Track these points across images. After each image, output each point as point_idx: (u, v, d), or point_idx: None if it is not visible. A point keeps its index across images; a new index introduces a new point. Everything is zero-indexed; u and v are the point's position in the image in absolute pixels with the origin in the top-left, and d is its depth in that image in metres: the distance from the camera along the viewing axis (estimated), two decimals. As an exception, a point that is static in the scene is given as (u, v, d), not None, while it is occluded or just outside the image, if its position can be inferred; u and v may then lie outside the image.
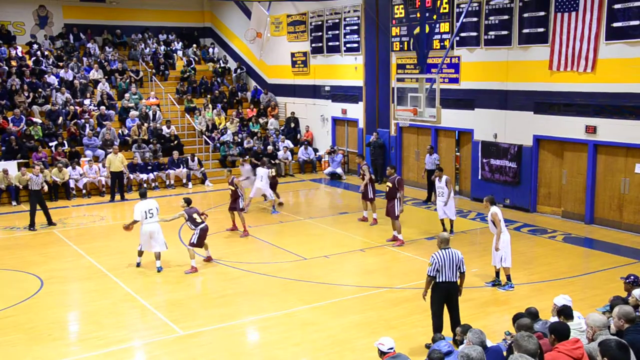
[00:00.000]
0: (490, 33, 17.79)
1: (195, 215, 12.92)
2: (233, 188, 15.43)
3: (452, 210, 15.14)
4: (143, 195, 13.25)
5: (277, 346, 9.28)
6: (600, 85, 15.29)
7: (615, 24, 14.76)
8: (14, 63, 25.05)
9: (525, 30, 16.81)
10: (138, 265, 13.10)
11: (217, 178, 22.14)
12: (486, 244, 14.58)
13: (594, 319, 6.33)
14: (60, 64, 26.10)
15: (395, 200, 14.31)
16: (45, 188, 16.97)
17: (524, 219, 16.72)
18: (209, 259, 13.39)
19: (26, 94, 23.34)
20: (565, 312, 7.03)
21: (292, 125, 26.30)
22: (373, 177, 17.00)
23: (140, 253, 13.12)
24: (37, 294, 11.64)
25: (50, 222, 16.74)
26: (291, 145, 24.85)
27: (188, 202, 13.19)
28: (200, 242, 12.94)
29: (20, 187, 19.24)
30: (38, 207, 16.48)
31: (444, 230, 14.78)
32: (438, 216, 15.32)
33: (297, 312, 10.59)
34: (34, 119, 22.26)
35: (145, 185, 21.34)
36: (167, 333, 9.79)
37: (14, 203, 19.33)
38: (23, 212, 18.12)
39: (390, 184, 14.46)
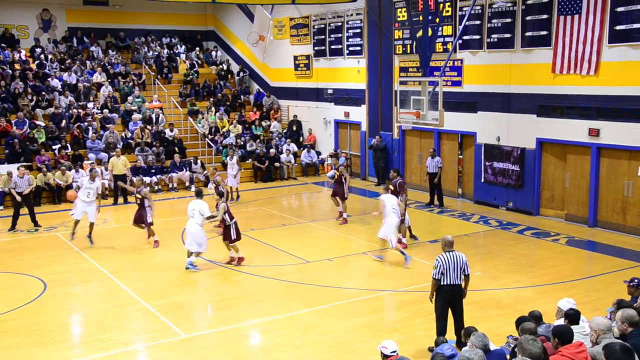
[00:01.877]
0: (493, 36, 17.79)
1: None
2: (214, 185, 16.33)
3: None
4: (198, 194, 13.36)
5: (279, 349, 9.27)
6: (603, 88, 15.26)
7: (618, 27, 14.75)
8: (17, 66, 25.13)
9: (528, 33, 16.81)
10: (190, 265, 13.11)
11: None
12: (489, 247, 14.59)
13: (597, 322, 6.30)
14: (64, 67, 26.16)
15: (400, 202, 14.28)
16: (26, 191, 16.86)
17: (527, 222, 16.69)
18: (235, 260, 13.54)
19: (30, 97, 23.40)
20: (571, 318, 6.97)
21: (295, 128, 26.31)
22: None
23: (189, 254, 13.22)
24: (40, 296, 11.65)
25: (36, 224, 16.91)
26: (294, 149, 24.86)
27: (221, 195, 13.69)
28: (239, 235, 13.30)
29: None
30: (26, 210, 16.75)
31: (411, 236, 14.94)
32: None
33: (300, 315, 10.57)
34: (38, 122, 22.31)
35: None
36: (170, 336, 9.79)
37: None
38: (27, 215, 18.15)
39: (392, 187, 14.44)
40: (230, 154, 21.09)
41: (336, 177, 17.00)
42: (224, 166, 23.44)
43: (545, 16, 16.34)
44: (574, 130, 16.05)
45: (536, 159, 17.12)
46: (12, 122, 21.82)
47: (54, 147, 21.56)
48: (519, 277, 12.27)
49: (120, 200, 20.03)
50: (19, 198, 16.60)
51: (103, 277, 12.78)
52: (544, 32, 16.41)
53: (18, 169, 17.53)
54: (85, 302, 11.60)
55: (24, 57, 26.10)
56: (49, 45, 27.63)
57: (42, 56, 26.30)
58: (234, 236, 13.20)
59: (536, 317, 7.55)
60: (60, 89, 24.59)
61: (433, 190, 18.64)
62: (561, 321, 7.17)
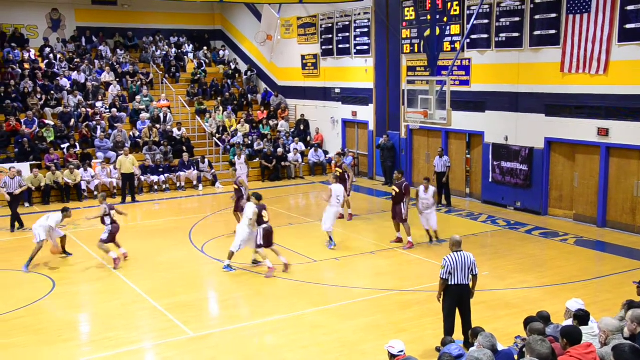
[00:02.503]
0: (502, 35, 17.71)
1: (264, 212, 12.45)
2: (236, 187, 15.53)
3: (434, 220, 14.60)
4: (258, 198, 12.75)
5: (286, 349, 9.27)
6: (613, 87, 15.17)
7: (628, 26, 14.65)
8: (27, 66, 25.27)
9: (537, 32, 16.73)
10: (253, 263, 13.05)
11: (227, 180, 22.17)
12: (497, 247, 14.55)
13: (606, 323, 6.27)
14: (73, 66, 26.27)
15: (402, 204, 14.26)
16: (17, 191, 16.73)
17: (535, 221, 16.62)
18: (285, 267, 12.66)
19: (39, 96, 23.52)
20: (581, 318, 6.92)
21: (302, 127, 26.32)
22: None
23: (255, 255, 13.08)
24: (49, 295, 11.71)
25: (21, 225, 16.72)
26: (302, 148, 24.86)
27: (258, 197, 12.71)
28: (267, 242, 12.41)
29: (33, 188, 19.43)
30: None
31: (430, 239, 14.68)
32: (423, 226, 14.65)
33: (307, 314, 10.57)
34: (47, 121, 22.43)
35: (156, 187, 21.47)
36: (178, 334, 9.81)
37: (26, 204, 19.46)
38: (35, 213, 18.22)
39: (397, 189, 14.40)
40: (238, 153, 21.15)
41: (338, 174, 16.96)
42: (232, 165, 23.49)
43: (554, 15, 16.25)
44: (582, 129, 15.97)
45: (544, 158, 17.04)
46: (22, 121, 21.93)
47: (62, 146, 21.66)
48: (527, 277, 12.22)
49: (128, 199, 20.08)
50: (8, 198, 16.52)
51: (111, 275, 12.82)
52: (553, 31, 16.32)
53: (10, 169, 17.51)
54: (93, 300, 11.65)
55: (33, 57, 26.24)
56: (58, 44, 27.75)
57: (52, 56, 26.43)
58: (259, 241, 12.44)
59: (544, 318, 7.51)
60: (69, 88, 24.70)
61: (441, 190, 18.58)
62: (570, 322, 7.13)
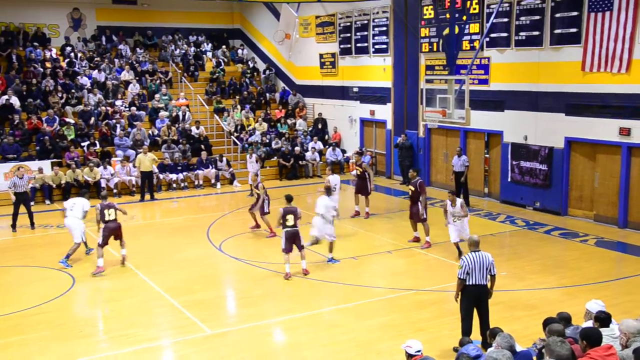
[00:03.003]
0: (521, 34, 17.56)
1: (288, 216, 12.20)
2: (258, 192, 15.55)
3: (467, 231, 13.55)
4: (288, 199, 12.83)
5: (303, 347, 9.28)
6: (635, 86, 14.96)
7: (650, 24, 14.46)
8: (48, 65, 25.55)
9: (557, 31, 16.56)
10: (331, 261, 13.25)
11: (245, 179, 22.25)
12: (516, 247, 14.44)
13: (627, 325, 6.19)
14: (93, 65, 26.54)
15: (419, 203, 14.22)
16: (23, 189, 16.47)
17: (555, 222, 16.45)
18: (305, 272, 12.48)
19: (60, 94, 23.78)
20: (602, 320, 6.80)
21: (320, 126, 26.32)
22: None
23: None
24: (69, 291, 11.85)
25: (32, 225, 16.65)
26: (320, 147, 24.86)
27: (289, 199, 12.72)
28: (289, 246, 12.19)
29: (54, 186, 19.67)
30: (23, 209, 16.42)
31: (460, 254, 13.65)
32: (451, 240, 13.41)
33: (324, 313, 10.58)
34: (67, 120, 22.67)
35: (174, 185, 21.61)
36: (195, 332, 9.87)
37: (47, 202, 19.71)
38: (56, 210, 18.47)
39: (412, 188, 14.39)
40: (250, 152, 21.17)
41: (358, 173, 17.11)
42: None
43: (575, 13, 16.07)
44: (604, 129, 15.77)
45: (564, 158, 16.87)
46: (43, 119, 22.19)
47: (82, 144, 21.89)
48: (546, 278, 12.11)
49: (147, 197, 20.23)
50: (13, 198, 16.18)
51: (130, 272, 12.94)
52: (574, 30, 16.15)
53: (18, 168, 17.54)
54: (113, 297, 11.75)
55: (54, 56, 26.53)
56: (79, 43, 28.04)
57: (72, 54, 26.71)
58: (282, 245, 12.28)
59: (565, 319, 7.41)
60: (90, 87, 24.94)
61: (459, 189, 18.44)
62: (590, 323, 7.04)
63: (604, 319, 6.84)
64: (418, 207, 14.24)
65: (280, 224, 12.30)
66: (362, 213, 17.30)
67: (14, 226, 16.56)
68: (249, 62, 30.39)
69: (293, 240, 12.24)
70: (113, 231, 13.07)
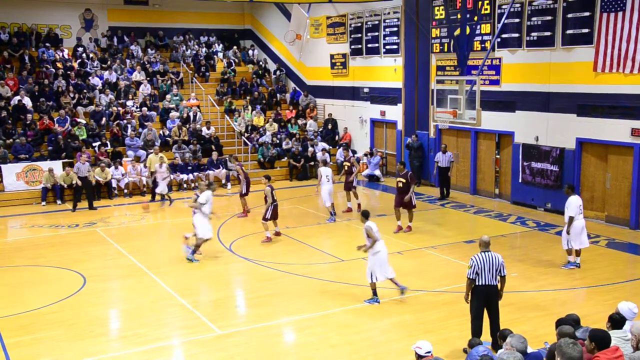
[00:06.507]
0: (533, 34, 17.47)
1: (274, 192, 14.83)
2: (238, 169, 17.47)
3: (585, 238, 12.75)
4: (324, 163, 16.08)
5: (313, 347, 9.29)
6: (648, 87, 14.87)
7: (663, 24, 14.34)
8: (60, 65, 25.73)
9: (569, 31, 16.47)
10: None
11: (256, 179, 22.27)
12: (526, 248, 14.37)
13: (638, 327, 6.15)
14: (104, 66, 26.69)
15: (410, 192, 15.29)
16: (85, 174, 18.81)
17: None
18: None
19: (71, 95, 23.94)
20: (615, 321, 6.70)
21: (331, 126, 26.32)
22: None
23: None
24: (80, 291, 11.92)
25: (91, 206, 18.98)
26: (325, 146, 24.84)
27: (268, 178, 15.44)
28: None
29: (65, 186, 19.79)
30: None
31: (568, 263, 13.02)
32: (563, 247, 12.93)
33: (334, 313, 10.58)
34: (79, 120, 22.81)
35: (185, 185, 21.67)
36: (205, 332, 9.90)
37: (58, 202, 19.84)
38: (67, 210, 18.60)
39: (403, 180, 15.48)
40: (159, 160, 19.91)
41: (346, 168, 18.22)
42: (260, 164, 23.64)
43: (587, 13, 15.98)
44: (615, 130, 15.67)
45: (576, 159, 16.76)
46: (55, 119, 22.35)
47: (94, 144, 22.01)
48: (557, 279, 12.04)
49: (158, 197, 20.30)
50: (79, 182, 18.96)
51: (140, 272, 13.00)
52: (586, 30, 16.05)
53: (81, 154, 19.76)
54: (123, 297, 11.82)
55: (66, 56, 26.71)
56: (91, 44, 28.21)
57: (84, 55, 26.87)
58: (268, 215, 14.96)
59: (574, 321, 7.38)
60: (101, 87, 25.09)
61: (443, 185, 19.59)
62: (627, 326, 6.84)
63: (617, 320, 6.77)
64: (410, 197, 15.31)
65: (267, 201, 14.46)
66: (354, 207, 18.14)
67: (74, 207, 18.81)
68: (260, 63, 30.44)
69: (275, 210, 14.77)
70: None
